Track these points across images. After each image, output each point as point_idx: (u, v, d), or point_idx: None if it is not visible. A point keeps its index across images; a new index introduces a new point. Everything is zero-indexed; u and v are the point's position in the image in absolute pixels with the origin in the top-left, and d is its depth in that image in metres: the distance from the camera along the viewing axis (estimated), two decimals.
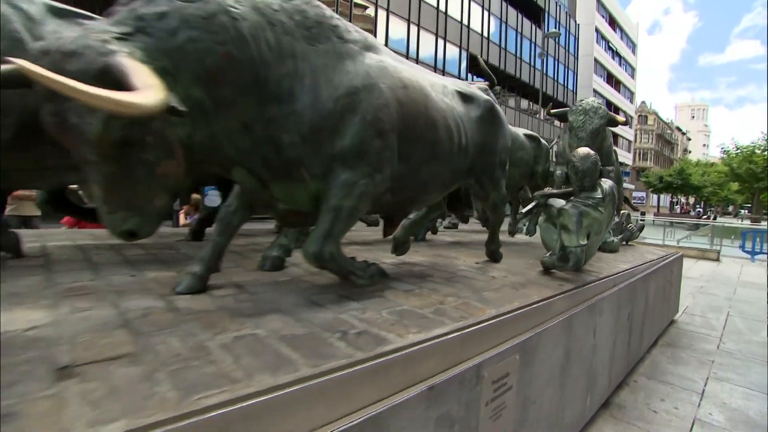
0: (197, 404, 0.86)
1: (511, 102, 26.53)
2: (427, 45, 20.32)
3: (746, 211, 50.78)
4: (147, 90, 1.00)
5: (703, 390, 3.24)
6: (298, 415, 0.96)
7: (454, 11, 21.61)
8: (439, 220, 5.24)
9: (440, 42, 20.93)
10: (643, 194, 52.75)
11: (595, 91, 38.18)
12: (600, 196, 2.67)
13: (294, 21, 1.46)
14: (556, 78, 30.57)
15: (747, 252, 11.89)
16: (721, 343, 4.36)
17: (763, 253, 11.41)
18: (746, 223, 24.99)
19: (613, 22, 44.24)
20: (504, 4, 24.91)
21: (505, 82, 24.42)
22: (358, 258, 1.92)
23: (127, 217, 1.28)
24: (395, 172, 1.73)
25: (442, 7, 20.88)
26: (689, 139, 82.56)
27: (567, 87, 32.11)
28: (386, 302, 1.70)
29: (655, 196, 55.68)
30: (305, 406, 0.98)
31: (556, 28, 29.34)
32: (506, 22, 25.22)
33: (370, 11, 17.80)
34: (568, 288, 2.33)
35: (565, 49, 31.73)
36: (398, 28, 18.92)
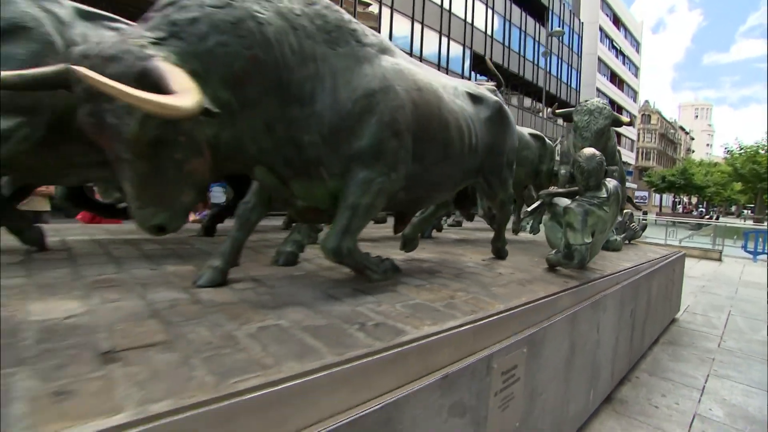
0: (234, 387, 0.93)
1: (515, 100, 26.52)
2: (431, 43, 20.33)
3: (749, 211, 50.67)
4: (185, 93, 1.07)
5: (704, 387, 3.30)
6: (324, 399, 1.03)
7: (458, 9, 21.59)
8: (444, 218, 5.31)
9: (444, 40, 20.93)
10: (646, 194, 52.70)
11: (598, 90, 38.11)
12: (605, 196, 2.72)
13: (315, 25, 1.53)
14: (559, 77, 30.53)
15: (749, 252, 11.90)
16: (721, 342, 4.42)
17: (765, 253, 11.43)
18: (749, 224, 24.95)
19: (617, 21, 44.09)
20: (508, 2, 24.88)
21: (508, 80, 24.40)
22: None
23: (157, 212, 1.34)
24: (409, 171, 1.80)
25: (446, 5, 20.87)
26: (692, 139, 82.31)
27: (570, 86, 32.06)
28: (399, 296, 1.76)
29: (658, 196, 55.61)
30: (330, 392, 1.05)
31: (560, 26, 29.28)
32: (510, 21, 25.19)
33: (374, 9, 17.81)
34: (573, 285, 2.40)
35: (568, 47, 31.67)
36: (402, 26, 18.93)
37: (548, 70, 26.68)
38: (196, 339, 1.17)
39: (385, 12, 18.11)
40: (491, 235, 3.11)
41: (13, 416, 0.75)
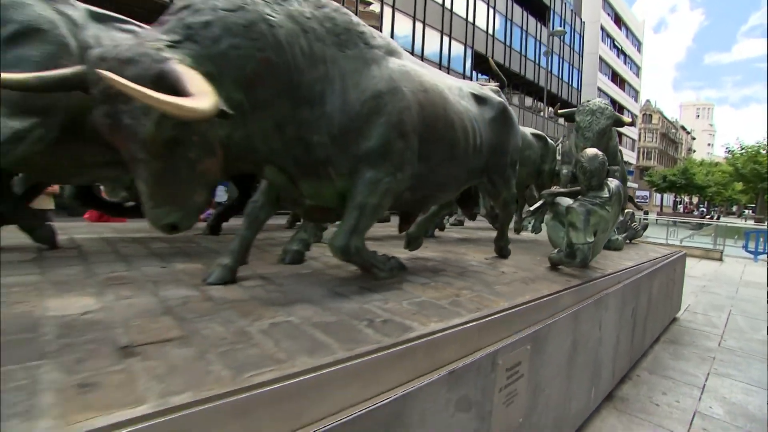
0: (250, 381, 0.96)
1: (516, 100, 26.51)
2: (433, 42, 20.33)
3: (750, 211, 50.63)
4: (203, 95, 1.10)
5: (704, 385, 3.33)
6: (336, 393, 1.06)
7: (459, 8, 21.58)
8: (446, 217, 5.34)
9: (445, 39, 20.93)
10: (647, 193, 52.67)
11: (599, 89, 38.08)
12: (607, 196, 2.75)
13: (325, 28, 1.56)
14: (560, 76, 30.49)
15: (750, 252, 11.91)
16: (722, 341, 4.45)
17: (766, 253, 11.45)
18: (750, 224, 24.95)
19: (618, 20, 44.03)
20: (510, 1, 24.86)
21: (509, 79, 24.36)
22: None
23: (171, 211, 1.37)
24: (415, 171, 1.83)
25: (447, 5, 20.86)
26: (694, 139, 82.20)
27: (572, 85, 32.02)
28: (405, 294, 1.79)
29: (659, 196, 55.58)
30: (343, 386, 1.08)
31: (561, 25, 29.25)
32: (511, 20, 25.16)
33: (374, 8, 17.81)
34: (576, 283, 2.43)
35: (570, 47, 31.63)
36: (404, 25, 18.93)
37: (549, 69, 26.67)
38: (211, 335, 1.20)
39: (387, 11, 18.12)
40: (493, 234, 3.14)
41: (43, 406, 0.78)
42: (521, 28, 26.08)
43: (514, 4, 25.23)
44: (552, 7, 28.85)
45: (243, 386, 0.93)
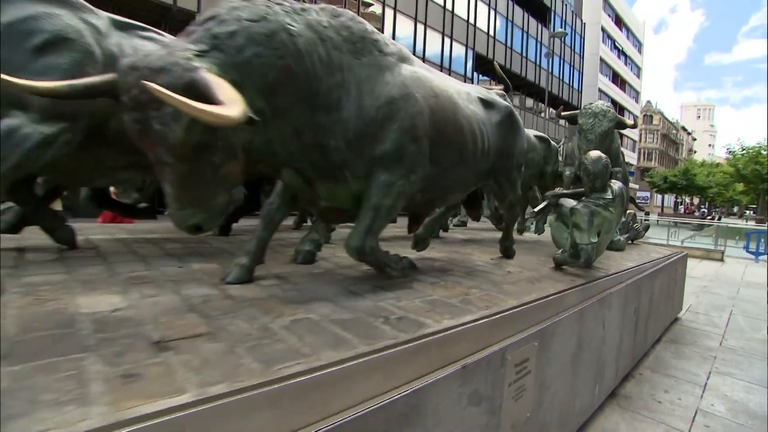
0: (279, 373, 1.02)
1: (516, 101, 26.58)
2: (434, 44, 20.41)
3: (751, 212, 50.64)
4: (233, 103, 1.16)
5: (706, 383, 3.39)
6: (359, 385, 1.12)
7: (460, 10, 21.67)
8: (450, 218, 5.40)
9: (446, 41, 21.01)
10: (647, 194, 52.71)
11: (600, 90, 38.13)
12: (610, 197, 2.81)
13: (341, 36, 1.62)
14: (561, 77, 30.55)
15: (751, 253, 11.96)
16: (723, 340, 4.50)
17: (767, 253, 11.49)
18: (751, 224, 24.98)
19: (619, 21, 44.11)
20: (510, 3, 24.94)
21: (510, 81, 24.44)
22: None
23: (195, 213, 1.43)
24: (426, 173, 1.89)
25: (448, 6, 20.95)
26: (694, 139, 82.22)
27: (572, 86, 32.08)
28: (417, 292, 1.86)
29: (660, 196, 55.60)
30: (365, 378, 1.14)
31: (562, 27, 29.33)
32: (512, 21, 25.24)
33: (374, 9, 17.90)
34: (580, 283, 2.49)
35: (570, 48, 31.70)
36: (405, 27, 19.02)
37: (550, 70, 26.75)
38: (236, 331, 1.26)
39: (388, 13, 18.20)
40: (496, 234, 3.20)
41: (94, 394, 0.84)
42: (522, 29, 26.16)
43: (515, 6, 25.32)
44: (553, 8, 28.93)
45: (273, 378, 0.99)
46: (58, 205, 4.47)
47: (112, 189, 3.51)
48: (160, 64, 1.24)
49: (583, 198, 2.91)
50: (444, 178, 2.05)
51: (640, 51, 50.97)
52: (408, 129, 1.72)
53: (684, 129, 73.42)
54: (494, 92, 2.74)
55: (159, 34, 2.11)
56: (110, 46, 1.84)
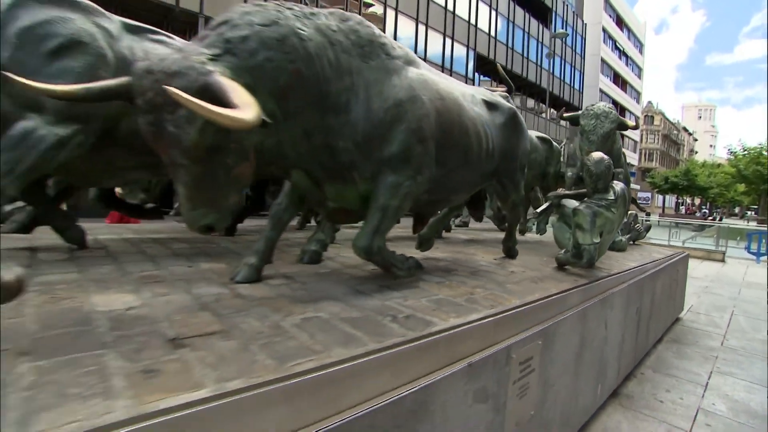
0: (293, 369, 1.05)
1: (517, 101, 26.61)
2: (435, 44, 20.45)
3: (753, 212, 50.57)
4: (247, 107, 1.19)
5: (707, 383, 3.41)
6: (369, 381, 1.15)
7: (462, 11, 21.71)
8: (452, 218, 5.44)
9: (448, 41, 21.04)
10: (648, 195, 52.67)
11: (601, 91, 38.12)
12: (612, 198, 2.84)
13: (350, 40, 1.65)
14: (562, 78, 30.58)
15: (752, 253, 11.97)
16: (724, 340, 4.53)
17: None
18: (752, 225, 24.96)
19: (620, 22, 44.10)
20: (512, 3, 24.97)
21: (511, 81, 24.46)
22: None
23: (208, 213, 1.46)
24: (433, 175, 1.92)
25: (450, 7, 20.99)
26: (696, 140, 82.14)
27: (573, 87, 32.10)
28: (423, 292, 1.89)
29: (661, 197, 55.58)
30: (375, 375, 1.17)
31: (563, 27, 29.35)
32: (513, 22, 25.28)
33: (375, 9, 17.94)
34: (583, 282, 2.51)
35: (571, 48, 31.71)
36: (406, 27, 19.07)
37: (551, 71, 26.77)
38: (249, 329, 1.29)
39: (390, 13, 18.25)
40: (498, 235, 3.23)
41: (117, 388, 0.87)
42: (523, 29, 26.20)
43: (516, 6, 25.35)
44: (554, 8, 28.95)
45: (288, 374, 1.02)
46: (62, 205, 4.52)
47: (117, 190, 3.56)
48: (176, 67, 1.27)
49: (586, 199, 2.94)
50: (449, 179, 2.08)
51: (641, 51, 50.94)
52: (415, 131, 1.75)
53: (685, 129, 73.36)
54: (497, 94, 2.76)
55: (169, 37, 2.15)
56: (122, 49, 1.87)
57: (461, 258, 2.99)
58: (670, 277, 4.56)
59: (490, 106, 2.45)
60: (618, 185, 2.93)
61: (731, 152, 41.63)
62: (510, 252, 3.13)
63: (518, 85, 25.92)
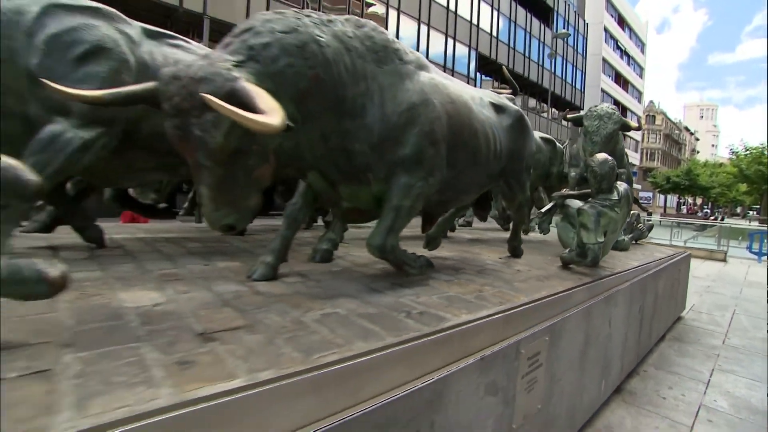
0: (318, 361, 1.11)
1: (519, 101, 26.62)
2: (437, 44, 20.50)
3: (755, 212, 50.52)
4: (273, 112, 1.25)
5: (709, 380, 3.46)
6: (388, 373, 1.21)
7: (463, 11, 21.75)
8: (456, 218, 5.49)
9: (449, 41, 21.09)
10: (650, 194, 52.66)
11: (603, 90, 38.13)
12: (616, 198, 2.90)
13: (365, 46, 1.71)
14: (564, 77, 30.60)
15: (754, 253, 12.00)
16: (726, 339, 4.58)
17: None
18: (754, 225, 24.97)
19: (622, 21, 44.07)
20: (513, 3, 25.00)
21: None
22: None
23: (229, 213, 1.52)
24: (443, 176, 1.98)
25: (452, 7, 21.03)
26: (697, 140, 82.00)
27: (575, 86, 32.11)
28: (433, 289, 1.95)
29: (662, 197, 55.54)
30: (393, 367, 1.23)
31: (564, 27, 29.37)
32: (515, 22, 25.31)
33: (375, 9, 17.98)
34: (587, 281, 2.57)
35: (573, 48, 31.73)
36: (408, 28, 19.11)
37: (553, 71, 26.81)
38: (272, 324, 1.35)
39: (392, 14, 18.30)
40: (502, 234, 3.29)
41: (157, 378, 0.93)
42: (525, 29, 26.22)
43: (518, 6, 25.38)
44: (555, 8, 28.96)
45: (314, 365, 1.08)
46: None
47: (130, 190, 3.62)
48: (202, 73, 1.33)
49: (590, 199, 2.99)
50: (459, 180, 2.14)
51: (642, 51, 50.91)
52: (427, 133, 1.81)
53: (687, 129, 73.25)
54: (504, 96, 2.82)
55: (186, 41, 2.21)
56: (143, 54, 1.94)
57: (468, 257, 3.04)
58: (672, 276, 4.61)
59: (498, 108, 2.51)
60: (621, 185, 2.99)
61: (733, 152, 41.61)
62: (515, 251, 3.19)
63: (520, 84, 25.81)
